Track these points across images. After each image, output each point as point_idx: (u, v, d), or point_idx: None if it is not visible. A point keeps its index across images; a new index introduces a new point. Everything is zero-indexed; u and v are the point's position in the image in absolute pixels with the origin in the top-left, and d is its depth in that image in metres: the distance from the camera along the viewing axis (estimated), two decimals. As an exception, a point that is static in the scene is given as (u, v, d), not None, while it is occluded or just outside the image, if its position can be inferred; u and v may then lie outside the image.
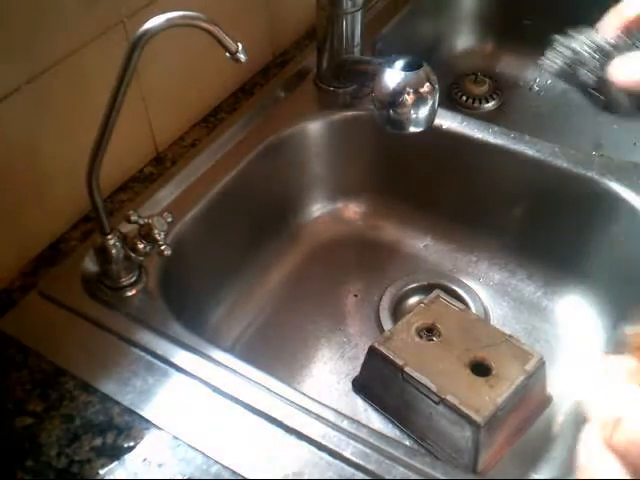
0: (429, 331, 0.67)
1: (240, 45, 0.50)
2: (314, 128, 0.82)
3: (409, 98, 0.65)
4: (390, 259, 0.85)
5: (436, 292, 0.71)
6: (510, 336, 0.67)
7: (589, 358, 0.73)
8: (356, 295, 0.81)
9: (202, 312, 0.74)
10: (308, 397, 0.54)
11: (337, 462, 0.50)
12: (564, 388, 0.70)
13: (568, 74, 0.50)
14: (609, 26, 0.45)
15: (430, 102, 0.65)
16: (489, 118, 0.97)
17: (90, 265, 0.63)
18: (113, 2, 0.63)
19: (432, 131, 0.69)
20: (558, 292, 0.79)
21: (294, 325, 0.78)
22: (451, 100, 1.06)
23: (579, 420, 0.29)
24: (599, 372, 0.31)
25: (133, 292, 0.62)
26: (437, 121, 0.71)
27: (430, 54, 1.05)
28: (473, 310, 0.77)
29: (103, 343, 0.58)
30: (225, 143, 0.77)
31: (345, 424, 0.52)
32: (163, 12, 0.49)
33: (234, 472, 0.50)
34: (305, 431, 0.52)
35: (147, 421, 0.53)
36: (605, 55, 0.46)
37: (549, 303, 0.79)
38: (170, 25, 0.49)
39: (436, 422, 0.63)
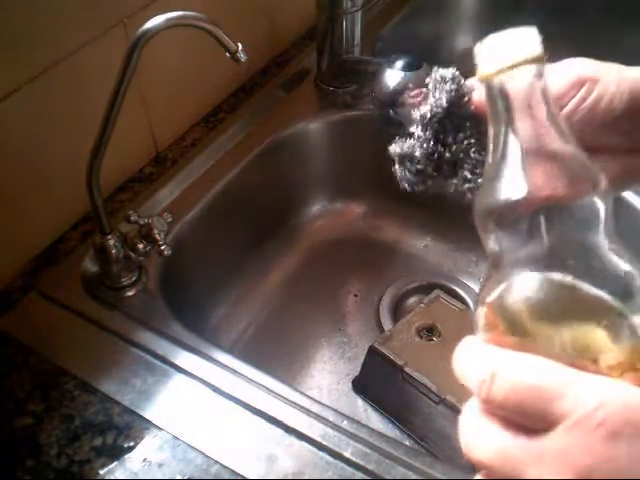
0: (429, 331, 0.67)
1: (240, 45, 0.50)
2: (314, 128, 0.82)
3: (409, 98, 0.65)
4: (390, 259, 0.85)
5: (436, 292, 0.71)
6: None
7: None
8: (356, 295, 0.81)
9: (202, 312, 0.74)
10: (308, 397, 0.54)
11: (337, 462, 0.50)
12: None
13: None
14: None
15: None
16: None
17: (90, 265, 0.63)
18: (113, 2, 0.63)
19: (432, 131, 0.69)
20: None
21: (294, 325, 0.78)
22: (451, 100, 1.05)
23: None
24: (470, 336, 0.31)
25: (133, 292, 0.62)
26: (437, 121, 0.71)
27: (430, 54, 1.05)
28: (473, 310, 0.77)
29: (103, 343, 0.58)
30: (225, 143, 0.77)
31: (345, 424, 0.52)
32: (163, 12, 0.49)
33: (234, 472, 0.50)
34: (305, 431, 0.52)
35: (147, 421, 0.53)
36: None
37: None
38: (170, 25, 0.49)
39: (436, 422, 0.63)
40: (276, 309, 0.79)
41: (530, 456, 0.24)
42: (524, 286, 0.29)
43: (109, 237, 0.58)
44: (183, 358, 0.57)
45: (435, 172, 0.40)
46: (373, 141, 0.84)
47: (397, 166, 0.41)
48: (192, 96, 0.79)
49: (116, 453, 0.51)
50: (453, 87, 0.39)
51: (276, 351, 0.75)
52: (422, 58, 0.66)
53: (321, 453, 0.51)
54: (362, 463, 0.50)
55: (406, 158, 0.41)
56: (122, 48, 0.50)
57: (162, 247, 0.58)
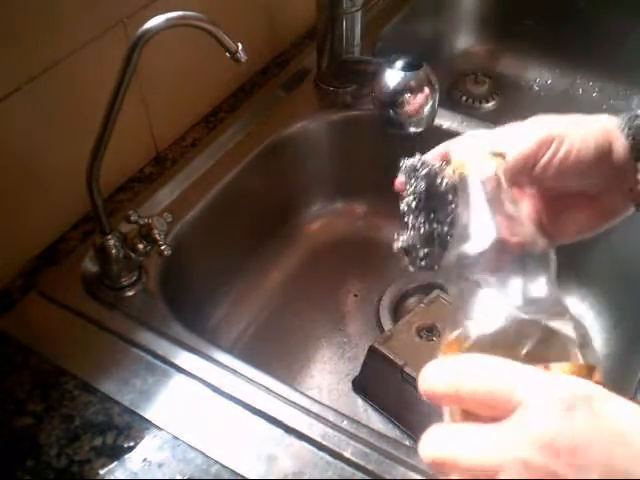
0: (429, 331, 0.67)
1: (240, 45, 0.50)
2: (314, 128, 0.82)
3: (409, 98, 0.65)
4: (390, 259, 0.85)
5: (436, 292, 0.71)
6: None
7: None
8: (356, 295, 0.81)
9: (202, 312, 0.74)
10: (308, 397, 0.54)
11: (337, 462, 0.50)
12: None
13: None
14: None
15: (430, 102, 0.65)
16: (489, 118, 0.97)
17: (90, 265, 0.63)
18: (113, 2, 0.63)
19: (432, 131, 0.69)
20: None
21: (294, 325, 0.78)
22: (451, 100, 1.06)
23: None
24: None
25: (133, 292, 0.62)
26: (437, 121, 0.71)
27: (430, 54, 1.05)
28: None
29: (103, 343, 0.58)
30: (225, 143, 0.77)
31: (345, 424, 0.52)
32: (163, 12, 0.49)
33: (234, 472, 0.50)
34: (305, 431, 0.52)
35: (147, 421, 0.53)
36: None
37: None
38: (170, 25, 0.49)
39: (436, 422, 0.62)
40: (276, 309, 0.79)
41: (498, 439, 0.28)
42: (485, 322, 0.34)
43: (109, 237, 0.58)
44: (183, 358, 0.57)
45: (441, 248, 0.44)
46: (373, 141, 0.84)
47: (406, 259, 0.46)
48: (192, 96, 0.79)
49: (116, 453, 0.51)
50: (425, 171, 0.44)
51: (276, 351, 0.75)
52: (422, 58, 0.66)
53: (321, 453, 0.51)
54: (362, 463, 0.50)
55: (411, 249, 0.45)
56: (122, 48, 0.50)
57: (162, 247, 0.58)
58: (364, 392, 0.70)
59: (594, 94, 1.06)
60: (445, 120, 0.78)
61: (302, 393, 0.55)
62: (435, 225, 0.44)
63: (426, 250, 0.45)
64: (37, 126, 0.61)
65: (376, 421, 0.68)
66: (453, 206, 0.42)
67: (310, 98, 0.85)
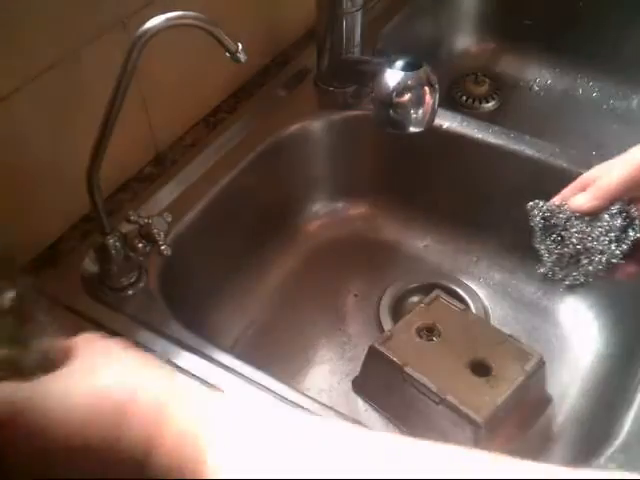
0: (429, 331, 0.67)
1: (240, 45, 0.51)
2: (314, 128, 0.82)
3: (409, 98, 0.65)
4: (390, 259, 0.85)
5: (436, 292, 0.71)
6: (510, 336, 0.67)
7: (589, 358, 0.73)
8: (356, 295, 0.81)
9: (202, 312, 0.74)
10: (308, 397, 0.54)
11: (337, 462, 0.50)
12: (564, 388, 0.70)
13: None
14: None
15: (430, 102, 0.65)
16: (489, 118, 0.97)
17: (90, 265, 0.63)
18: (113, 2, 0.63)
19: (432, 131, 0.69)
20: (558, 292, 0.79)
21: (294, 325, 0.78)
22: (451, 100, 1.06)
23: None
24: None
25: (133, 292, 0.62)
26: (437, 121, 0.71)
27: (430, 54, 1.05)
28: (473, 310, 0.77)
29: (103, 343, 0.58)
30: (225, 143, 0.77)
31: (345, 424, 0.52)
32: (163, 12, 0.49)
33: (234, 472, 0.50)
34: (305, 431, 0.52)
35: (147, 421, 0.53)
36: None
37: (549, 303, 0.79)
38: (170, 25, 0.49)
39: (436, 422, 0.63)
40: (276, 309, 0.79)
41: None
42: None
43: (109, 237, 0.58)
44: (183, 358, 0.56)
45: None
46: (373, 141, 0.84)
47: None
48: (192, 96, 0.79)
49: (116, 453, 0.51)
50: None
51: (276, 351, 0.75)
52: (422, 58, 0.66)
53: (321, 453, 0.51)
54: (362, 463, 0.50)
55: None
56: (122, 48, 0.50)
57: (162, 247, 0.58)
58: (364, 392, 0.71)
59: (594, 94, 1.06)
60: (445, 120, 0.78)
61: (302, 393, 0.55)
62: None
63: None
64: (37, 126, 0.61)
65: (376, 421, 0.68)
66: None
67: (310, 98, 0.85)
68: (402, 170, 0.86)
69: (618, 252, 0.51)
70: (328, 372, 0.74)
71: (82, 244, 0.66)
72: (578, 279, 0.53)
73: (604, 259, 0.51)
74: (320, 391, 0.72)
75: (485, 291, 0.80)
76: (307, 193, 0.86)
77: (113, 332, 0.58)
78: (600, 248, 0.51)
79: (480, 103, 1.05)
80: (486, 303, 0.79)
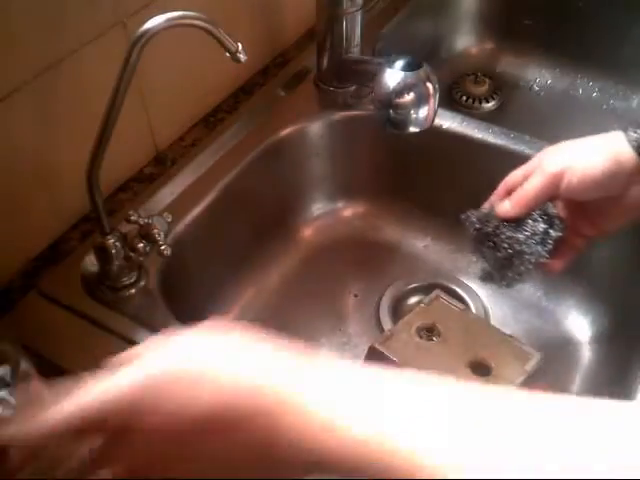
0: (429, 331, 0.67)
1: (240, 45, 0.50)
2: (314, 128, 0.82)
3: (409, 98, 0.65)
4: (390, 259, 0.85)
5: (436, 292, 0.71)
6: (510, 336, 0.67)
7: (588, 358, 0.73)
8: (356, 295, 0.81)
9: (202, 312, 0.74)
10: (308, 397, 0.54)
11: (337, 462, 0.50)
12: (563, 388, 0.70)
13: None
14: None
15: (430, 102, 0.65)
16: (489, 118, 0.97)
17: (90, 265, 0.63)
18: (113, 2, 0.63)
19: (432, 131, 0.69)
20: (558, 293, 0.79)
21: (294, 325, 0.77)
22: (451, 100, 1.06)
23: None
24: None
25: (133, 292, 0.62)
26: (437, 121, 0.71)
27: (430, 54, 1.05)
28: (473, 310, 0.77)
29: (103, 343, 0.58)
30: (225, 143, 0.77)
31: (345, 424, 0.52)
32: (163, 12, 0.49)
33: (234, 472, 0.50)
34: (305, 431, 0.52)
35: (147, 421, 0.53)
36: None
37: (549, 303, 0.79)
38: (170, 25, 0.49)
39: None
40: (276, 309, 0.79)
41: None
42: None
43: (109, 237, 0.58)
44: (183, 358, 0.56)
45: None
46: (373, 141, 0.84)
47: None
48: (192, 96, 0.79)
49: (116, 453, 0.51)
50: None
51: (276, 351, 0.75)
52: (422, 58, 0.66)
53: (321, 453, 0.51)
54: (362, 463, 0.50)
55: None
56: (122, 48, 0.50)
57: (162, 247, 0.58)
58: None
59: (594, 94, 1.06)
60: (445, 120, 0.78)
61: (302, 393, 0.55)
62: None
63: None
64: (37, 126, 0.61)
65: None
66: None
67: (310, 98, 0.85)
68: (402, 170, 0.86)
69: (544, 252, 0.57)
70: (328, 372, 0.74)
71: (82, 244, 0.66)
72: (513, 278, 0.59)
73: (533, 259, 0.57)
74: (320, 391, 0.71)
75: (485, 291, 0.80)
76: (307, 193, 0.86)
77: (113, 332, 0.59)
78: (528, 250, 0.57)
79: (480, 103, 1.05)
80: (486, 303, 0.79)
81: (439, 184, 0.84)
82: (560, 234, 0.58)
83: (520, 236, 0.57)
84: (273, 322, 0.78)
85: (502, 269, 0.59)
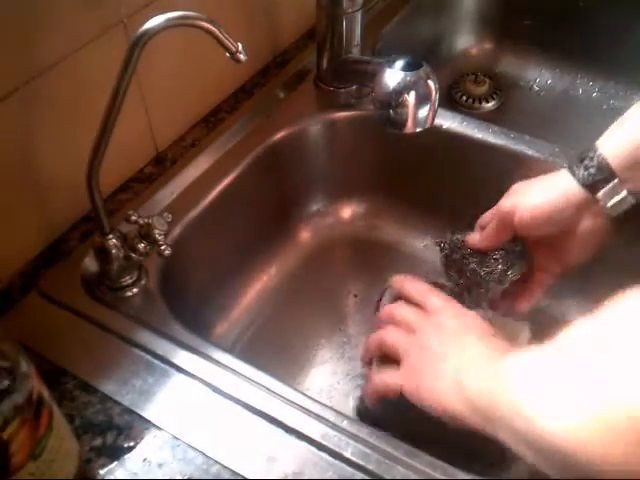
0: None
1: (240, 45, 0.50)
2: (314, 128, 0.82)
3: (409, 98, 0.65)
4: (390, 259, 0.85)
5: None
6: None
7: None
8: (356, 295, 0.81)
9: (202, 312, 0.74)
10: (308, 397, 0.54)
11: (337, 462, 0.50)
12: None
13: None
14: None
15: (430, 102, 0.65)
16: (489, 118, 0.97)
17: (90, 265, 0.63)
18: (113, 2, 0.63)
19: (432, 131, 0.69)
20: (558, 293, 0.79)
21: (294, 325, 0.78)
22: (451, 100, 1.06)
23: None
24: None
25: (133, 292, 0.62)
26: (437, 121, 0.71)
27: (430, 54, 1.05)
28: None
29: (103, 343, 0.58)
30: (225, 143, 0.77)
31: (345, 424, 0.52)
32: (163, 12, 0.49)
33: (234, 472, 0.50)
34: (305, 431, 0.52)
35: (147, 421, 0.53)
36: None
37: (549, 303, 0.79)
38: (170, 25, 0.49)
39: (436, 422, 0.62)
40: (276, 309, 0.79)
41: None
42: None
43: (109, 237, 0.58)
44: (183, 358, 0.57)
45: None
46: (373, 141, 0.84)
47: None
48: (192, 96, 0.79)
49: (116, 453, 0.51)
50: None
51: (276, 351, 0.75)
52: (422, 58, 0.66)
53: (321, 453, 0.51)
54: (362, 463, 0.50)
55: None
56: (122, 48, 0.50)
57: (162, 247, 0.58)
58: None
59: (594, 94, 1.06)
60: (445, 120, 0.78)
61: (302, 393, 0.55)
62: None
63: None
64: (36, 126, 0.61)
65: (376, 421, 0.68)
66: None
67: (310, 98, 0.85)
68: (402, 170, 0.86)
69: (498, 289, 0.64)
70: (328, 372, 0.74)
71: (82, 244, 0.66)
72: (471, 305, 0.62)
73: (489, 294, 0.64)
74: (320, 391, 0.72)
75: (485, 291, 0.80)
76: (307, 193, 0.87)
77: (113, 332, 0.59)
78: (485, 286, 0.64)
79: (480, 103, 1.05)
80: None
81: (439, 184, 0.84)
82: (517, 276, 0.64)
83: (481, 272, 0.64)
84: (273, 322, 0.78)
85: (465, 293, 0.65)
